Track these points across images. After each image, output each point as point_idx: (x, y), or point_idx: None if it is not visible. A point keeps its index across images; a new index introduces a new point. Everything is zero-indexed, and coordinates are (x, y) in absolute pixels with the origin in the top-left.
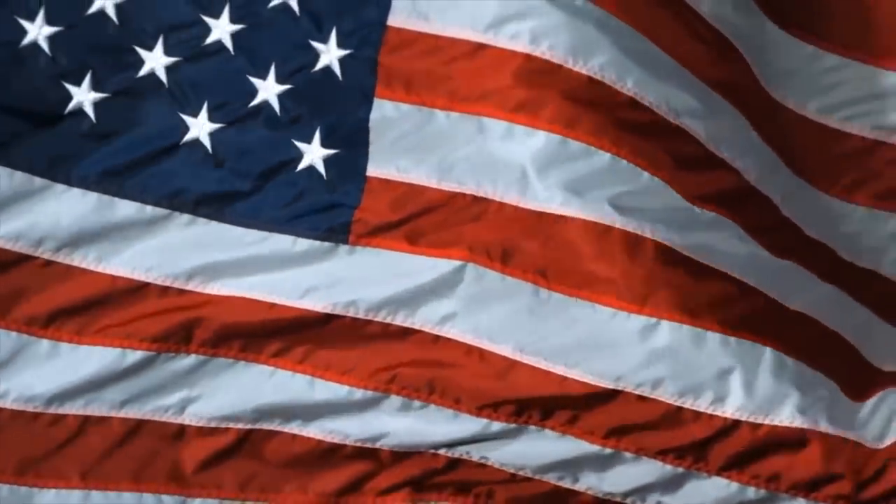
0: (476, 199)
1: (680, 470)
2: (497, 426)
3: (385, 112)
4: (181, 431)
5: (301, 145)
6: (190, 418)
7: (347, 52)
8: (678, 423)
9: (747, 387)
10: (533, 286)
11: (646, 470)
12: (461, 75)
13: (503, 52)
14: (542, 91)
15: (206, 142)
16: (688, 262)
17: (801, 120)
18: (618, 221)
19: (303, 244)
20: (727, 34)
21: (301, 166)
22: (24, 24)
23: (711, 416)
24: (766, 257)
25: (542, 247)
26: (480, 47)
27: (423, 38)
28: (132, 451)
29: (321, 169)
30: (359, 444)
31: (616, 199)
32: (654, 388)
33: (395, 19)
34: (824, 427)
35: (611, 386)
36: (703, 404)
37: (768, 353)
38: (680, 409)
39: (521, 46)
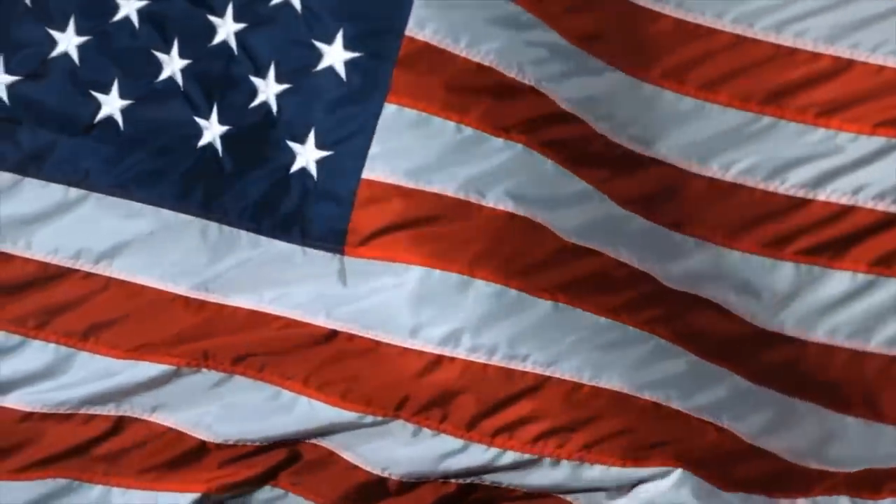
0: (477, 208)
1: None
2: (511, 456)
3: (394, 117)
4: (202, 445)
5: (294, 146)
6: (209, 436)
7: (357, 54)
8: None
9: None
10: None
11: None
12: (485, 95)
13: (520, 85)
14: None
15: (218, 145)
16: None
17: None
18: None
19: (303, 252)
20: None
21: (294, 168)
22: (55, 34)
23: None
24: None
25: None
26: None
27: (442, 52)
28: (159, 451)
29: (313, 171)
30: (368, 469)
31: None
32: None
33: (414, 29)
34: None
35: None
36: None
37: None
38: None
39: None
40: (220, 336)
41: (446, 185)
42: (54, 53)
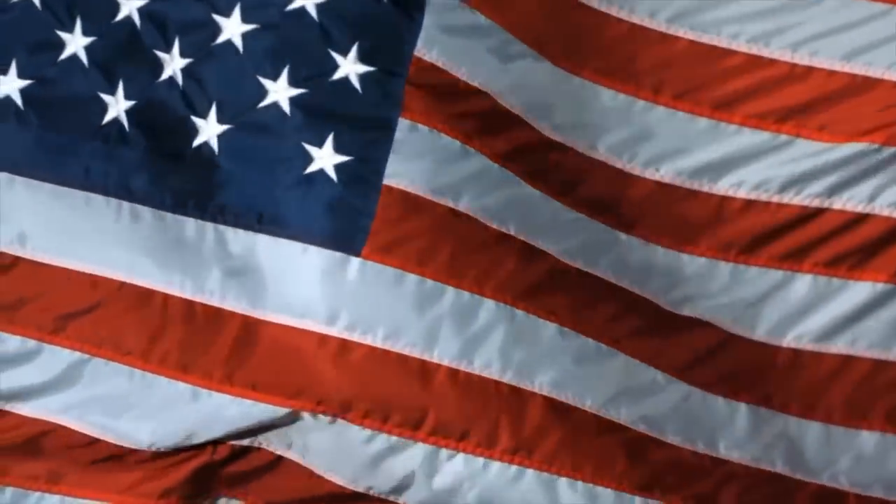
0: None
1: None
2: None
3: (409, 131)
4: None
5: (311, 149)
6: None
7: (370, 68)
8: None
9: None
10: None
11: None
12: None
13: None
14: None
15: (214, 144)
16: None
17: None
18: None
19: (312, 253)
20: None
21: (310, 169)
22: (64, 36)
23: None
24: None
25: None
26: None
27: (446, 74)
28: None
29: (332, 174)
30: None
31: None
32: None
33: (423, 50)
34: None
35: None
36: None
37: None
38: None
39: None
40: None
41: (457, 202)
42: (64, 55)
